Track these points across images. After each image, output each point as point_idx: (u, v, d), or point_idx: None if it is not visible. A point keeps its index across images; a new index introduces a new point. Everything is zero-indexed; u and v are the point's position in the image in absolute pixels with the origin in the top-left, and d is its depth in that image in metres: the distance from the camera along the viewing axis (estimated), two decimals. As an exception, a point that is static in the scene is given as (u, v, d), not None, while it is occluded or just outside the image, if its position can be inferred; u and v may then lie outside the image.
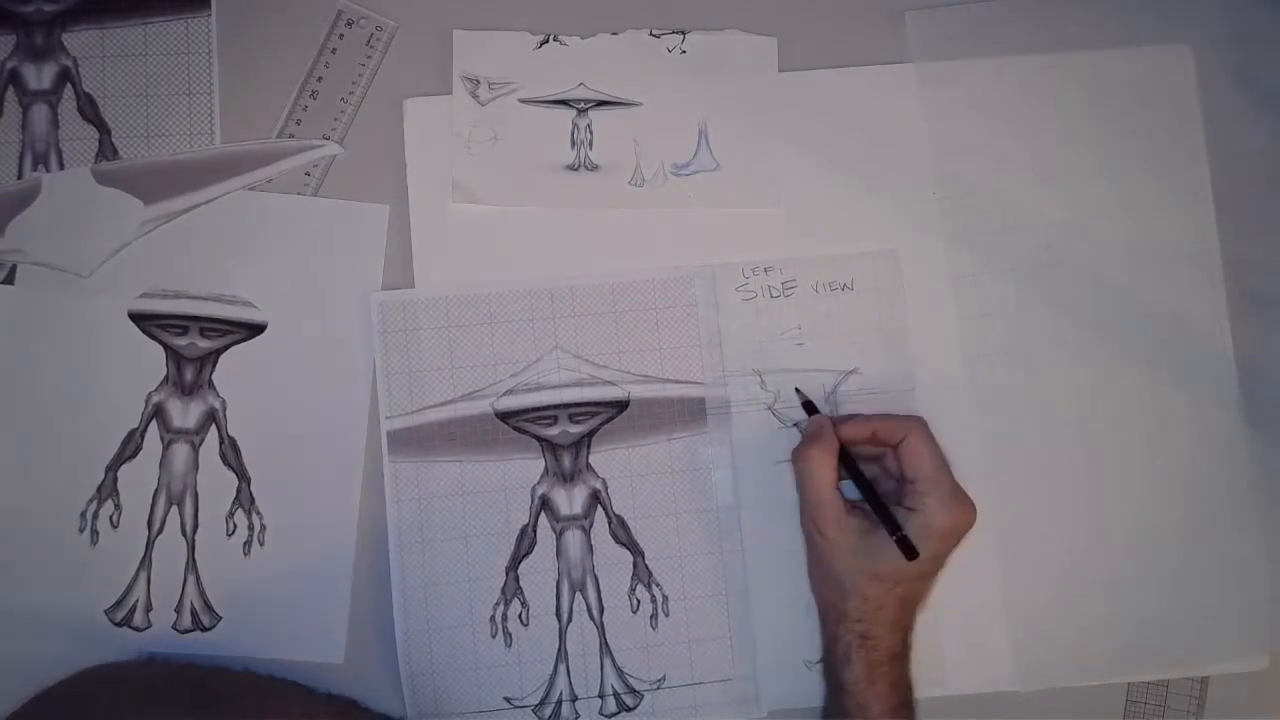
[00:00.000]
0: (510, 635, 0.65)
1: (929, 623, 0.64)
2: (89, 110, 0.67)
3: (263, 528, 0.65)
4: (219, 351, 0.66)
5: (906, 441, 0.61)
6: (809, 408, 0.66)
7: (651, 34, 0.69)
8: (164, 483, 0.65)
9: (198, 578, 0.65)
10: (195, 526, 0.65)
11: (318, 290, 0.66)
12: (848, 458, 0.63)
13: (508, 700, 0.65)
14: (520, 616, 0.65)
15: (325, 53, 0.68)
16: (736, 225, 0.68)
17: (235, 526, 0.65)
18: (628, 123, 0.68)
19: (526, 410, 0.66)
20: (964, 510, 0.60)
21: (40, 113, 0.66)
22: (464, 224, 0.67)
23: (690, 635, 0.66)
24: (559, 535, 0.66)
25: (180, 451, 0.65)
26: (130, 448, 0.65)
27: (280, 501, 0.65)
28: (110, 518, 0.65)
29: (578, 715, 0.65)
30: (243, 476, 0.65)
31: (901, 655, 0.61)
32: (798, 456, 0.63)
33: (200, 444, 0.65)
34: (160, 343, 0.66)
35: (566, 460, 0.66)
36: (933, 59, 0.70)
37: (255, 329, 0.66)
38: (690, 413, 0.67)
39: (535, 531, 0.66)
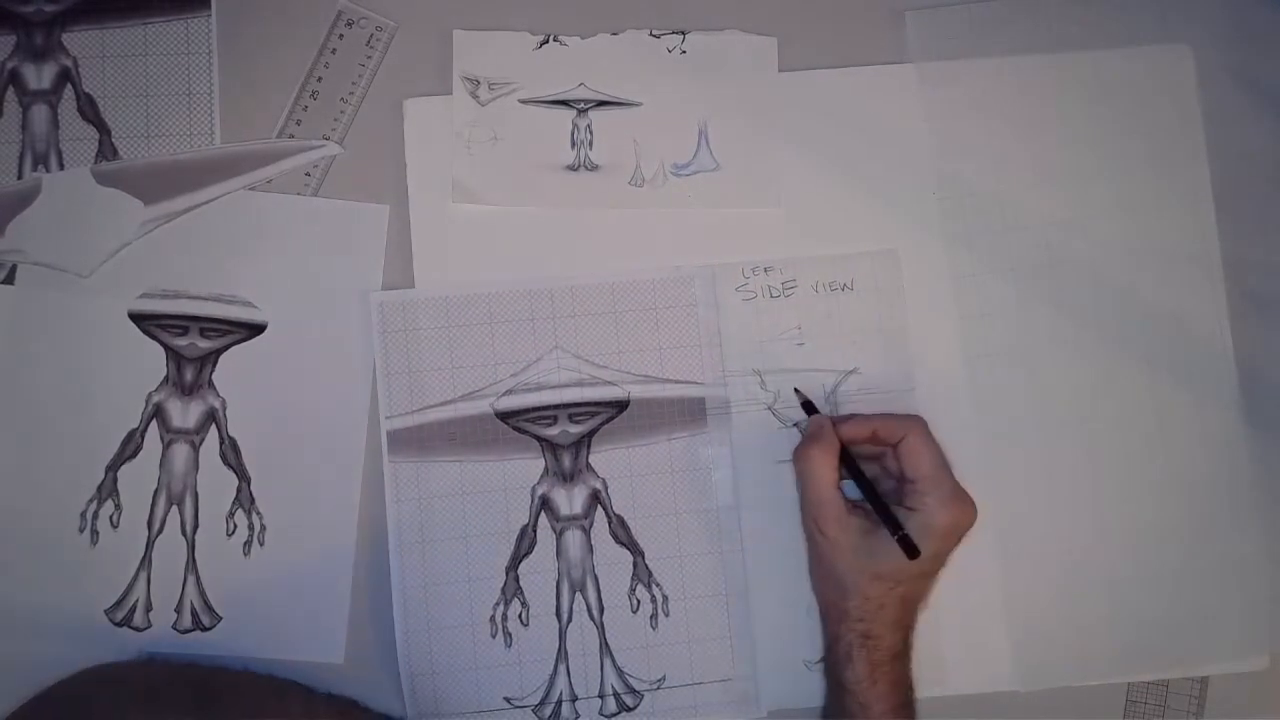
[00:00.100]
0: (510, 635, 0.65)
1: (929, 623, 0.64)
2: (89, 110, 0.67)
3: (263, 528, 0.65)
4: (219, 351, 0.66)
5: (906, 441, 0.61)
6: (808, 407, 0.66)
7: (651, 34, 0.69)
8: (164, 483, 0.65)
9: (198, 578, 0.65)
10: (195, 526, 0.65)
11: (318, 290, 0.66)
12: (848, 457, 0.63)
13: (508, 700, 0.65)
14: (520, 616, 0.65)
15: (325, 53, 0.68)
16: (736, 225, 0.68)
17: (235, 526, 0.65)
18: (628, 123, 0.68)
19: (526, 410, 0.66)
20: (964, 509, 0.60)
21: (40, 113, 0.66)
22: (464, 224, 0.67)
23: (690, 635, 0.66)
24: (559, 535, 0.66)
25: (180, 451, 0.65)
26: (130, 448, 0.65)
27: (280, 501, 0.65)
28: (110, 518, 0.65)
29: (578, 715, 0.65)
30: (243, 476, 0.65)
31: (903, 655, 0.61)
32: (798, 456, 0.63)
33: (200, 444, 0.65)
34: (160, 343, 0.66)
35: (566, 460, 0.66)
36: (933, 59, 0.70)
37: (255, 329, 0.66)
38: (690, 413, 0.67)
39: (535, 531, 0.66)
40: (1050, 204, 0.69)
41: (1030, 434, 0.68)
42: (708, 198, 0.68)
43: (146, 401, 0.65)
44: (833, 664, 0.62)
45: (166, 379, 0.66)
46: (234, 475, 0.65)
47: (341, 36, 0.68)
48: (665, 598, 0.66)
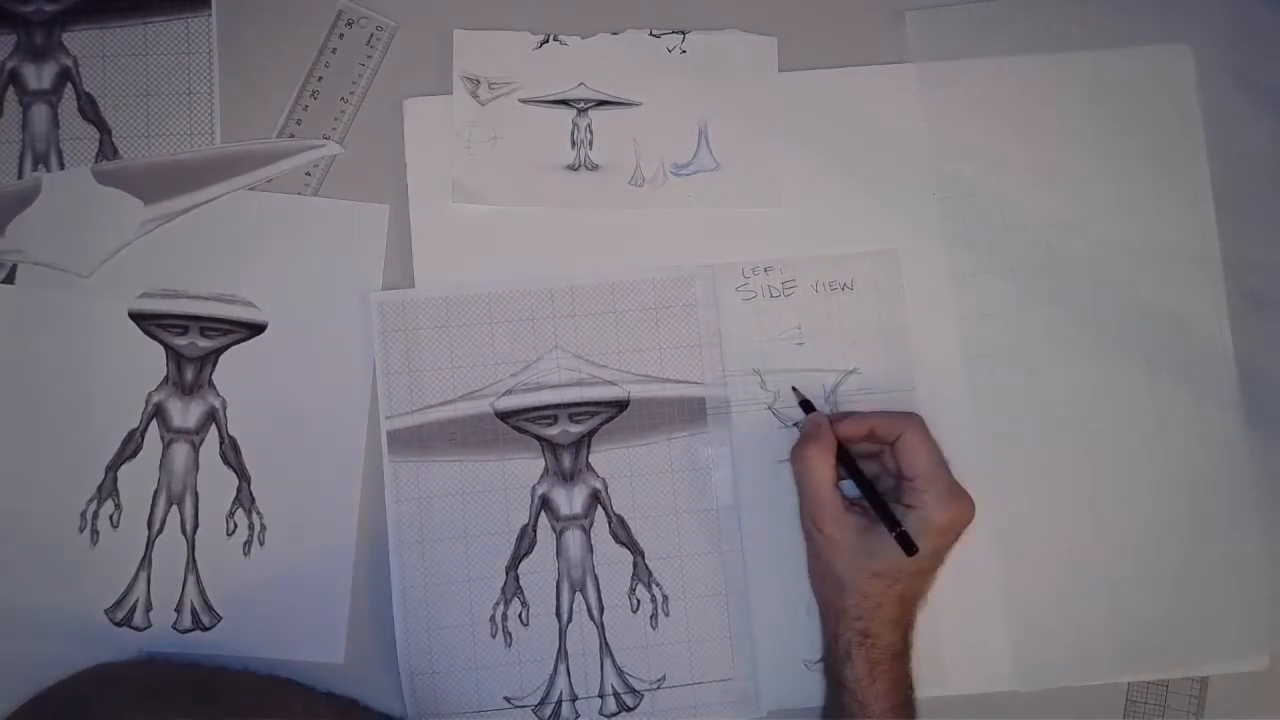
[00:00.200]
0: (510, 635, 0.65)
1: (929, 622, 0.64)
2: (89, 110, 0.67)
3: (263, 527, 0.65)
4: (219, 351, 0.66)
5: (902, 438, 0.61)
6: (806, 406, 0.66)
7: (651, 34, 0.69)
8: (164, 482, 0.65)
9: (198, 577, 0.65)
10: (195, 526, 0.65)
11: (318, 290, 0.67)
12: (845, 455, 0.63)
13: (508, 700, 0.65)
14: (520, 616, 0.65)
15: (325, 53, 0.68)
16: (736, 225, 0.68)
17: (235, 526, 0.65)
18: (628, 123, 0.68)
19: (526, 410, 0.66)
20: (962, 506, 0.60)
21: (40, 113, 0.66)
22: (464, 224, 0.67)
23: (690, 635, 0.66)
24: (559, 535, 0.66)
25: (180, 451, 0.65)
26: (130, 447, 0.65)
27: (280, 501, 0.65)
28: (110, 518, 0.65)
29: (578, 715, 0.65)
30: (243, 476, 0.65)
31: (902, 653, 0.61)
32: (796, 455, 0.63)
33: (200, 444, 0.65)
34: (160, 342, 0.66)
35: (566, 460, 0.66)
36: (933, 59, 0.70)
37: (255, 329, 0.66)
38: (690, 413, 0.67)
39: (535, 531, 0.66)
40: (1050, 204, 0.69)
41: (1030, 434, 0.68)
42: (708, 198, 0.68)
43: (146, 401, 0.65)
44: (832, 663, 0.62)
45: (166, 379, 0.66)
46: (234, 475, 0.65)
47: (341, 36, 0.68)
48: (665, 598, 0.66)
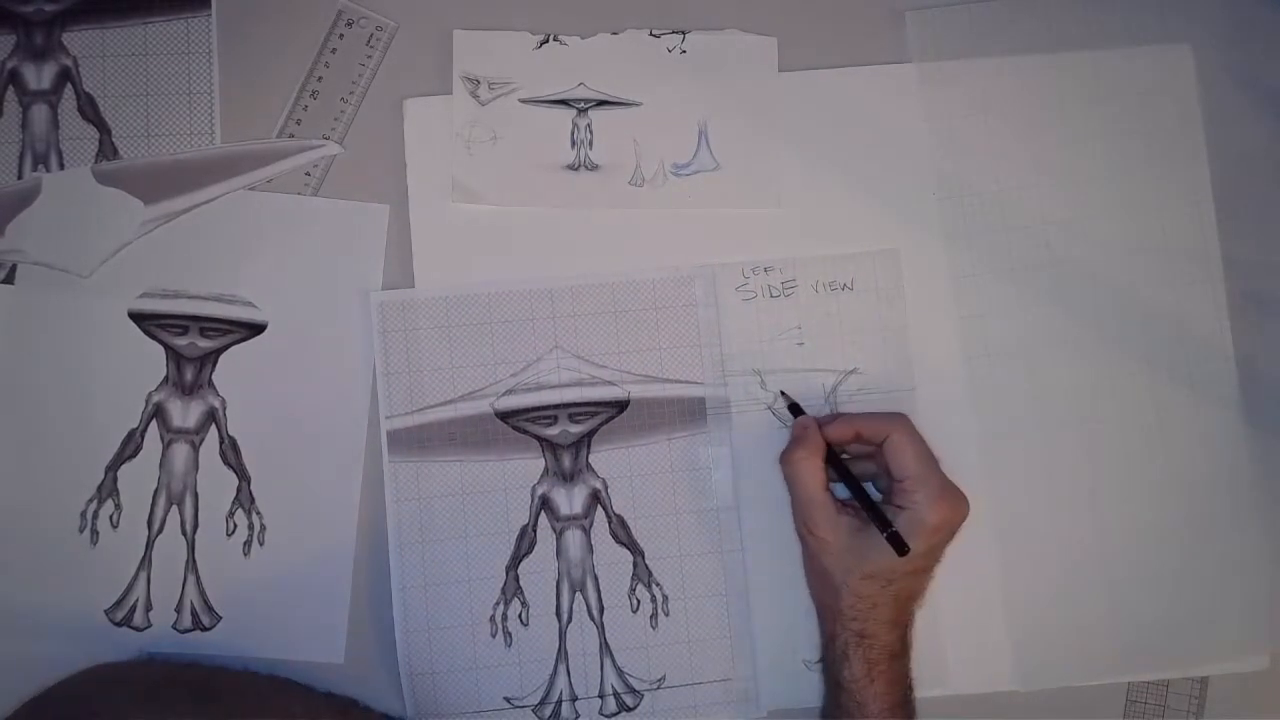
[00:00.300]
0: (510, 635, 0.65)
1: (929, 622, 0.64)
2: (89, 110, 0.67)
3: (263, 527, 0.65)
4: (219, 351, 0.66)
5: (890, 440, 0.61)
6: (794, 410, 0.66)
7: (651, 34, 0.69)
8: (164, 482, 0.65)
9: (198, 577, 0.65)
10: (195, 526, 0.65)
11: (318, 290, 0.66)
12: (834, 458, 0.63)
13: (508, 700, 0.65)
14: (520, 616, 0.65)
15: (325, 53, 0.68)
16: (736, 225, 0.68)
17: (235, 526, 0.65)
18: (628, 123, 0.68)
19: (526, 410, 0.66)
20: (954, 505, 0.60)
21: (40, 113, 0.66)
22: (464, 224, 0.67)
23: (690, 635, 0.66)
24: (559, 535, 0.66)
25: (180, 451, 0.65)
26: (130, 447, 0.65)
27: (280, 501, 0.65)
28: (110, 518, 0.65)
29: (578, 715, 0.65)
30: (243, 476, 0.65)
31: (900, 653, 0.61)
32: (784, 460, 0.63)
33: (200, 444, 0.65)
34: (160, 342, 0.66)
35: (566, 460, 0.66)
36: (933, 59, 0.70)
37: (255, 329, 0.66)
38: (690, 413, 0.67)
39: (535, 531, 0.66)
40: (1050, 204, 0.69)
41: (1030, 434, 0.68)
42: (708, 198, 0.68)
43: (146, 401, 0.65)
44: (830, 663, 0.62)
45: (166, 379, 0.66)
46: (234, 475, 0.65)
47: (341, 36, 0.68)
48: (665, 598, 0.66)
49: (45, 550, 0.64)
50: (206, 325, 0.66)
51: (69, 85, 0.67)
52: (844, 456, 0.64)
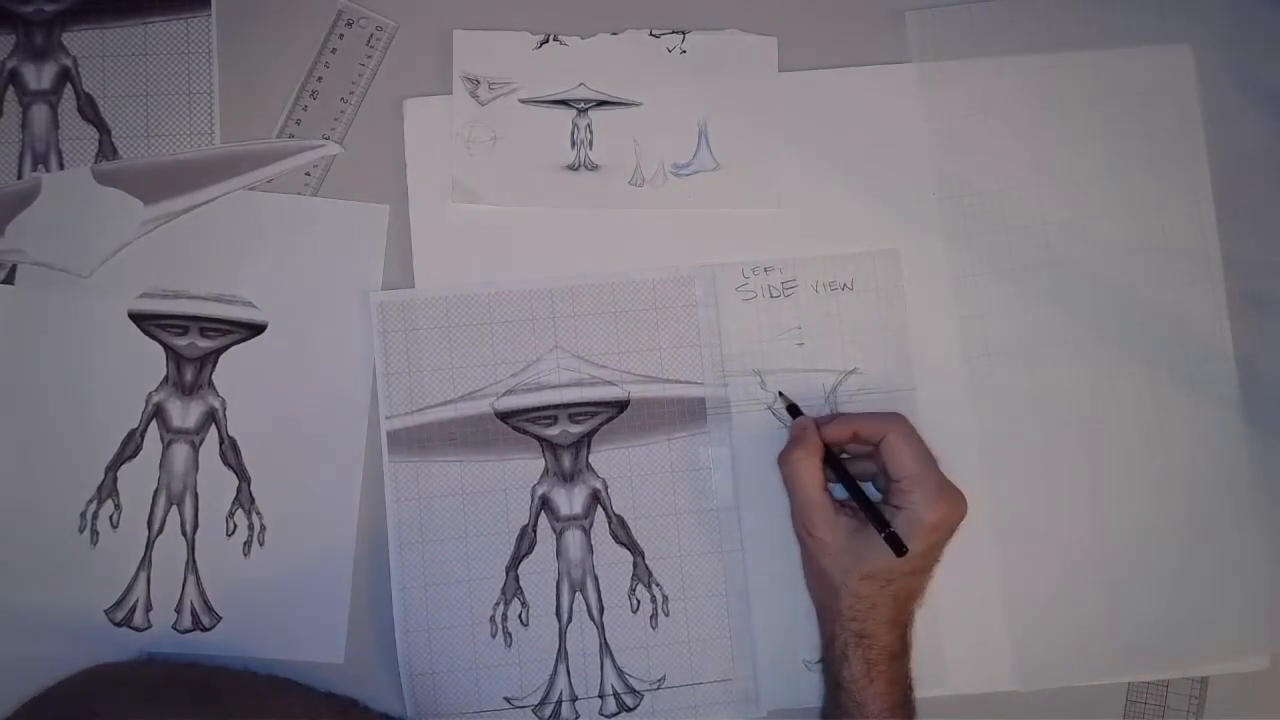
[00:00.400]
0: (510, 635, 0.65)
1: (928, 622, 0.64)
2: (89, 110, 0.67)
3: (263, 528, 0.65)
4: (219, 351, 0.66)
5: (886, 439, 0.61)
6: (793, 410, 0.66)
7: (651, 34, 0.69)
8: (164, 483, 0.65)
9: (198, 578, 0.65)
10: (195, 526, 0.65)
11: (318, 290, 0.66)
12: (832, 458, 0.63)
13: (508, 700, 0.65)
14: (520, 616, 0.65)
15: (325, 53, 0.68)
16: (736, 225, 0.68)
17: (235, 526, 0.65)
18: (628, 123, 0.68)
19: (526, 410, 0.66)
20: (952, 504, 0.60)
21: (40, 113, 0.66)
22: (464, 224, 0.67)
23: (690, 635, 0.66)
24: (559, 535, 0.66)
25: (180, 451, 0.65)
26: (130, 448, 0.65)
27: (280, 501, 0.65)
28: (110, 518, 0.65)
29: (578, 715, 0.65)
30: (243, 476, 0.65)
31: (900, 653, 0.61)
32: (783, 460, 0.63)
33: (200, 444, 0.65)
34: (160, 343, 0.66)
35: (566, 460, 0.66)
36: (933, 59, 0.70)
37: (255, 329, 0.66)
38: (690, 413, 0.67)
39: (535, 531, 0.66)
40: (1050, 204, 0.69)
41: (1030, 434, 0.68)
42: (708, 198, 0.68)
43: (146, 401, 0.65)
44: (830, 663, 0.62)
45: (166, 379, 0.66)
46: (234, 475, 0.65)
47: (341, 36, 0.68)
48: (665, 598, 0.66)
49: (45, 550, 0.64)
50: (206, 325, 0.66)
51: (69, 85, 0.67)
52: (843, 457, 0.64)
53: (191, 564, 0.65)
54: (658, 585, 0.66)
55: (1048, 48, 0.70)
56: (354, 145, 0.68)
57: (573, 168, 0.68)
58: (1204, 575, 0.67)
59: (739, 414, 0.67)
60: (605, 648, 0.66)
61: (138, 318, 0.66)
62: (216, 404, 0.66)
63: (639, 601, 0.66)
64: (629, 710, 0.65)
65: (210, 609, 0.65)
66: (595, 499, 0.66)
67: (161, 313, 0.66)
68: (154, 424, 0.65)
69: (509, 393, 0.66)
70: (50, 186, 0.66)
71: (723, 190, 0.68)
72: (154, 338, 0.66)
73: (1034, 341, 0.68)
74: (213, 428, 0.66)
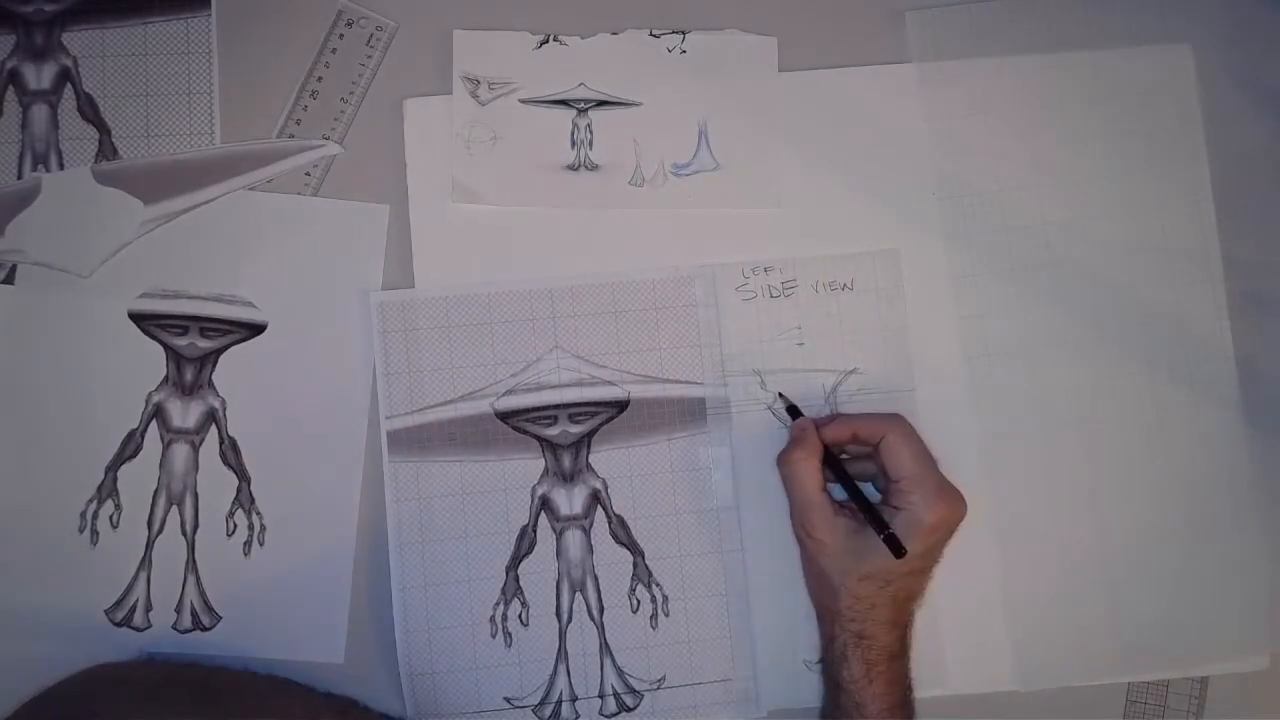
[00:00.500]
0: (510, 635, 0.65)
1: (929, 622, 0.64)
2: (89, 110, 0.67)
3: (263, 528, 0.65)
4: (219, 351, 0.66)
5: (885, 440, 0.61)
6: (793, 412, 0.66)
7: (651, 34, 0.69)
8: (164, 483, 0.65)
9: (198, 578, 0.65)
10: (195, 526, 0.65)
11: (318, 290, 0.66)
12: (832, 459, 0.63)
13: (508, 700, 0.65)
14: (520, 616, 0.65)
15: (325, 53, 0.68)
16: (736, 225, 0.68)
17: (235, 526, 0.65)
18: (628, 123, 0.68)
19: (526, 410, 0.66)
20: (951, 505, 0.60)
21: (40, 113, 0.66)
22: (464, 224, 0.67)
23: (690, 635, 0.66)
24: (559, 535, 0.66)
25: (180, 451, 0.65)
26: (130, 448, 0.65)
27: (280, 501, 0.65)
28: (110, 518, 0.65)
29: (578, 715, 0.65)
30: (243, 476, 0.65)
31: (899, 654, 0.61)
32: (782, 461, 0.63)
33: (200, 444, 0.65)
34: (160, 343, 0.66)
35: (566, 460, 0.66)
36: (933, 59, 0.70)
37: (255, 329, 0.66)
38: (690, 413, 0.67)
39: (535, 531, 0.66)
40: (1050, 204, 0.69)
41: (1030, 434, 0.68)
42: (708, 198, 0.68)
43: (146, 401, 0.65)
44: (829, 663, 0.62)
45: (166, 379, 0.66)
46: (234, 475, 0.65)
47: (341, 36, 0.68)
48: (665, 598, 0.66)
49: (45, 550, 0.64)
50: (206, 325, 0.66)
51: (69, 85, 0.67)
52: (842, 458, 0.64)
53: (191, 564, 0.65)
54: (658, 585, 0.66)
55: (1048, 48, 0.70)
56: (354, 145, 0.68)
57: (573, 168, 0.68)
58: (1204, 575, 0.67)
59: (739, 414, 0.67)
60: (605, 648, 0.66)
61: (138, 318, 0.66)
62: (216, 404, 0.66)
63: (639, 601, 0.66)
64: (629, 710, 0.65)
65: (210, 609, 0.65)
66: (595, 499, 0.66)
67: (161, 313, 0.66)
68: (154, 424, 0.65)
69: (509, 393, 0.66)
70: (50, 186, 0.66)
71: (723, 190, 0.68)
72: (154, 338, 0.66)
73: (1034, 341, 0.68)
74: (213, 428, 0.66)
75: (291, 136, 0.67)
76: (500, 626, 0.65)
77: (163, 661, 0.63)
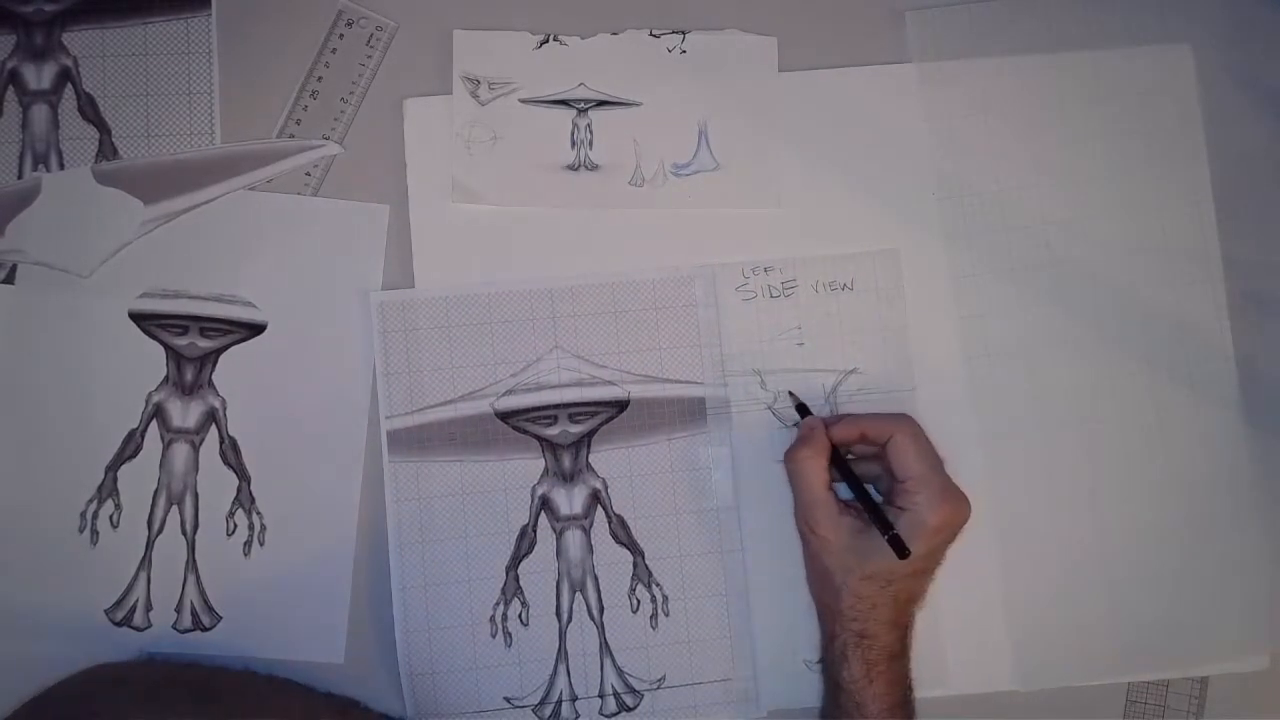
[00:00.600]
0: (510, 635, 0.65)
1: (929, 623, 0.64)
2: (89, 110, 0.67)
3: (263, 527, 0.65)
4: (219, 351, 0.66)
5: (893, 440, 0.61)
6: (802, 410, 0.66)
7: (651, 34, 0.69)
8: (164, 483, 0.65)
9: (198, 578, 0.65)
10: (195, 526, 0.65)
11: (318, 290, 0.66)
12: (839, 459, 0.63)
13: (508, 700, 0.65)
14: (520, 616, 0.65)
15: (325, 53, 0.68)
16: (736, 225, 0.68)
17: (235, 526, 0.65)
18: (628, 123, 0.68)
19: (526, 410, 0.66)
20: (955, 507, 0.60)
21: (40, 113, 0.66)
22: (464, 224, 0.67)
23: (690, 635, 0.66)
24: (559, 535, 0.66)
25: (180, 451, 0.65)
26: (130, 448, 0.65)
27: (280, 501, 0.65)
28: (110, 518, 0.65)
29: (578, 715, 0.65)
30: (243, 476, 0.65)
31: (899, 654, 0.61)
32: (789, 458, 0.63)
33: (200, 444, 0.65)
34: (160, 342, 0.66)
35: (566, 460, 0.66)
36: (933, 59, 0.70)
37: (255, 329, 0.66)
38: (690, 413, 0.67)
39: (535, 531, 0.66)
40: (1050, 204, 0.69)
41: (1030, 434, 0.68)
42: (708, 198, 0.68)
43: (146, 401, 0.65)
44: (830, 663, 0.62)
45: (166, 379, 0.66)
46: (234, 475, 0.65)
47: (341, 36, 0.68)
48: (665, 598, 0.66)
49: (45, 550, 0.64)
50: (206, 325, 0.66)
51: (69, 85, 0.67)
52: (849, 457, 0.64)
53: (191, 564, 0.65)
54: (658, 585, 0.66)
55: (1048, 48, 0.70)
56: (354, 145, 0.68)
57: (573, 168, 0.68)
58: (1204, 575, 0.67)
59: (739, 414, 0.67)
60: (605, 648, 0.66)
61: (138, 318, 0.66)
62: (216, 404, 0.66)
63: (639, 601, 0.66)
64: (629, 710, 0.65)
65: (210, 609, 0.65)
66: (595, 499, 0.66)
67: (161, 313, 0.66)
68: (154, 424, 0.65)
69: (509, 393, 0.66)
70: (50, 186, 0.66)
71: (723, 190, 0.68)
72: (154, 337, 0.66)
73: (1034, 341, 0.68)
74: (213, 427, 0.66)
75: (291, 136, 0.67)
76: (500, 626, 0.65)
77: (163, 661, 0.63)
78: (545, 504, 0.66)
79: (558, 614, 0.66)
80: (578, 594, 0.66)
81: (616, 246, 0.68)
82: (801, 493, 0.62)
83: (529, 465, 0.66)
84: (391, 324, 0.66)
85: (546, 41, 0.69)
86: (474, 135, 0.68)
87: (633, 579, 0.66)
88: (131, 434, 0.65)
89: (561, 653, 0.65)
